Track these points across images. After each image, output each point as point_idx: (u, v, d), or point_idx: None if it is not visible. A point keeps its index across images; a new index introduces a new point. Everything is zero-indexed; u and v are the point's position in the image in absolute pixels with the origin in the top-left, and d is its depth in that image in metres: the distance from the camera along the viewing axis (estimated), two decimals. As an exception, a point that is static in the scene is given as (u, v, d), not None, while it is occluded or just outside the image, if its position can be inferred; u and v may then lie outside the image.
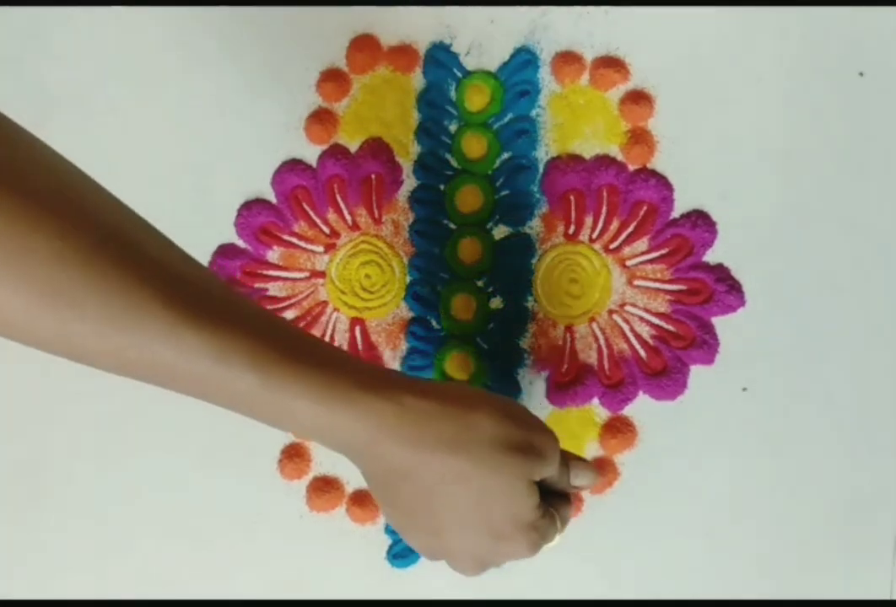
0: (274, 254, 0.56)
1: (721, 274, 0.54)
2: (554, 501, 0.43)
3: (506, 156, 0.55)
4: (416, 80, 0.56)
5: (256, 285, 0.56)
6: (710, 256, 0.54)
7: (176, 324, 0.34)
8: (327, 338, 0.55)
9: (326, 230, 0.56)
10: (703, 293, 0.54)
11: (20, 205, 0.32)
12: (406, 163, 0.55)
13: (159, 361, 0.35)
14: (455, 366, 0.55)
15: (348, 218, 0.56)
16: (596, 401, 0.54)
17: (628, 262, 0.55)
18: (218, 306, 0.36)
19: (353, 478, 0.55)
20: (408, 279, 0.55)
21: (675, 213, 0.54)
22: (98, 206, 0.35)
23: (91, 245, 0.33)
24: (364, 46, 0.55)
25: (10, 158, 0.33)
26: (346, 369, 0.38)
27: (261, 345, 0.36)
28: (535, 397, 0.54)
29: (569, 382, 0.54)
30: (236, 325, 0.36)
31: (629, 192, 0.54)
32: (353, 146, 0.56)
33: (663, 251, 0.54)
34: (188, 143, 0.56)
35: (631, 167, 0.55)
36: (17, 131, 0.35)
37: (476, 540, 0.40)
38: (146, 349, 0.34)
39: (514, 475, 0.39)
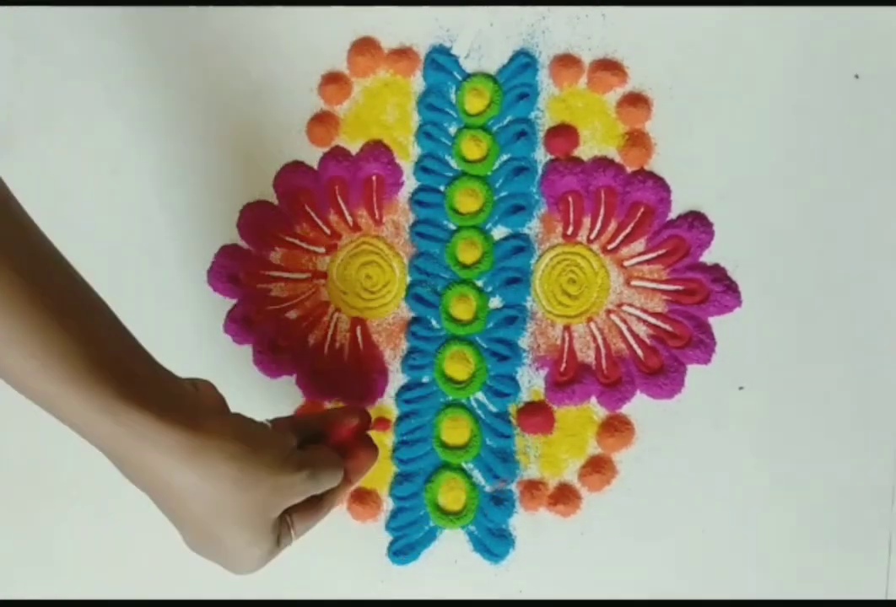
0: (276, 255, 0.56)
1: (717, 274, 0.54)
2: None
3: (505, 157, 0.56)
4: (417, 82, 0.56)
5: (259, 286, 0.56)
6: (707, 257, 0.55)
7: None
8: (328, 338, 0.56)
9: (328, 231, 0.56)
10: (699, 293, 0.54)
11: None
12: (406, 165, 0.56)
13: None
14: (455, 365, 0.55)
15: (349, 219, 0.56)
16: (594, 399, 0.55)
17: (626, 263, 0.55)
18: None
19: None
20: (408, 279, 0.56)
21: (673, 214, 0.55)
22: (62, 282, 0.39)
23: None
24: (365, 50, 0.56)
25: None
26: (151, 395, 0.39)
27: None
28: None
29: (567, 381, 0.55)
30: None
31: (627, 194, 0.55)
32: (354, 148, 0.56)
33: (660, 252, 0.55)
34: (191, 145, 0.57)
35: (629, 169, 0.55)
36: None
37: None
38: None
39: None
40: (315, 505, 0.44)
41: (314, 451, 0.45)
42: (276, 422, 0.46)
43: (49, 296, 0.37)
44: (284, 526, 0.43)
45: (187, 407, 0.40)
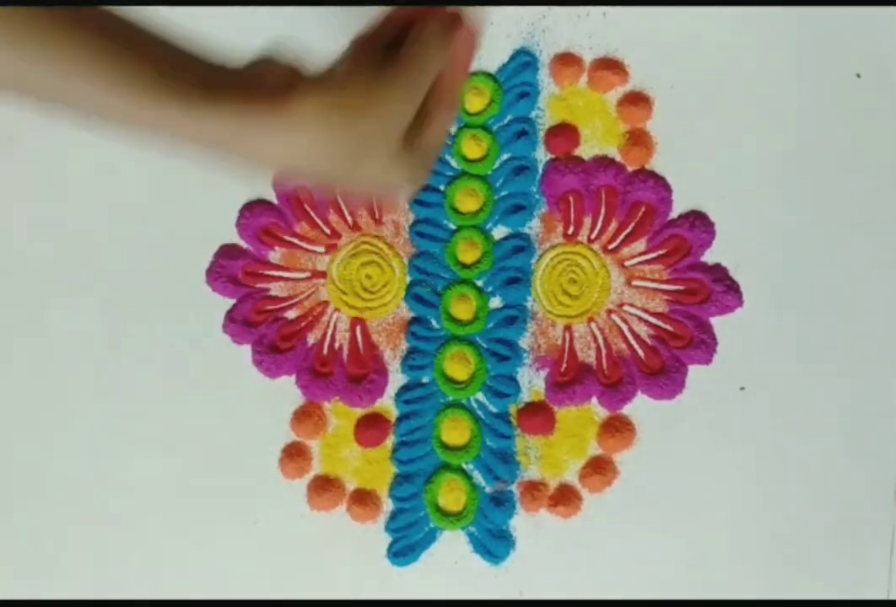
0: (275, 255, 0.56)
1: (719, 274, 0.54)
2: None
3: (505, 157, 0.55)
4: (417, 81, 0.56)
5: (258, 285, 0.56)
6: (708, 257, 0.54)
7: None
8: (328, 338, 0.56)
9: (327, 230, 0.56)
10: (700, 293, 0.54)
11: None
12: (406, 165, 0.56)
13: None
14: (455, 365, 0.55)
15: (349, 218, 0.56)
16: (595, 400, 0.54)
17: (627, 263, 0.55)
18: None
19: (353, 478, 0.55)
20: (408, 279, 0.56)
21: (674, 214, 0.55)
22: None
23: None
24: (365, 48, 0.56)
25: None
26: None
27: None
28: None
29: (568, 381, 0.54)
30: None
31: (627, 193, 0.55)
32: (354, 147, 0.56)
33: (661, 251, 0.55)
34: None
35: (629, 168, 0.55)
36: None
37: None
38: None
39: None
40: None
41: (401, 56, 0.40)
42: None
43: (104, 23, 0.37)
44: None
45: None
